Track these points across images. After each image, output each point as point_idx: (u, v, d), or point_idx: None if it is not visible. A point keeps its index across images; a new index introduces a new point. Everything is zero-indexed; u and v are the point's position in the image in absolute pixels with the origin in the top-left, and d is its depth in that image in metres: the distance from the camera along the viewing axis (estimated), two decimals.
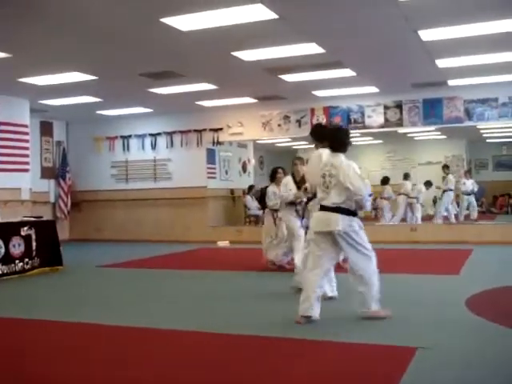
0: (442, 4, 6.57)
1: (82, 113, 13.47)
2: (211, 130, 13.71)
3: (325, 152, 5.46)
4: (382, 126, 12.34)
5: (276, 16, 6.81)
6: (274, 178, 8.61)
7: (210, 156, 14.18)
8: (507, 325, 4.76)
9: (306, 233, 6.46)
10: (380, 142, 19.57)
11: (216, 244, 12.93)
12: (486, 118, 11.61)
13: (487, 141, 20.43)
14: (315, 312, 5.03)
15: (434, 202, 17.82)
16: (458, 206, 17.03)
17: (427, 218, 15.64)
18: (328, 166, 5.10)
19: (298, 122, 12.94)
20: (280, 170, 8.67)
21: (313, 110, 12.80)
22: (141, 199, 14.25)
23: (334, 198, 5.01)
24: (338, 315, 5.42)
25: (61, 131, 14.92)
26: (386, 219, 15.29)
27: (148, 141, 14.42)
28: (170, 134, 14.17)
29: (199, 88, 11.04)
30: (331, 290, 6.04)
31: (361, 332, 4.74)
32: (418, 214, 14.84)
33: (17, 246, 8.52)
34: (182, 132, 14.04)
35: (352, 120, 12.52)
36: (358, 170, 5.11)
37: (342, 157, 5.11)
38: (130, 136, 14.58)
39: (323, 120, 12.66)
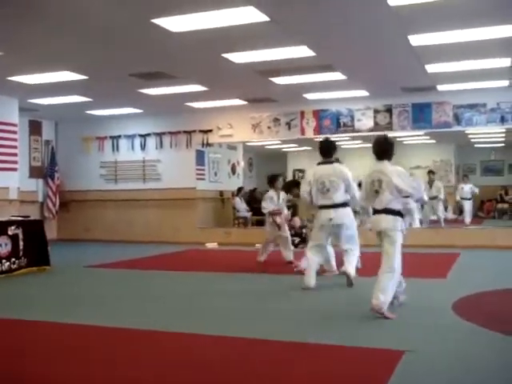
0: (433, 9, 6.60)
1: (71, 112, 13.41)
2: (201, 131, 13.70)
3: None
4: (371, 130, 12.37)
5: (267, 18, 6.82)
6: (272, 184, 9.37)
7: (200, 157, 14.16)
8: (494, 329, 4.79)
9: None
10: (369, 145, 19.49)
11: (204, 245, 12.91)
12: (475, 123, 11.68)
13: (475, 146, 20.55)
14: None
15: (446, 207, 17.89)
16: (446, 210, 17.12)
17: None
18: (375, 173, 5.59)
19: (288, 124, 12.95)
20: (280, 179, 9.48)
21: (303, 113, 12.82)
22: (130, 200, 14.21)
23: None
24: (327, 318, 5.43)
25: (50, 130, 14.85)
26: None
27: (137, 141, 14.39)
28: (160, 134, 14.14)
29: (189, 89, 11.04)
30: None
31: (348, 335, 4.76)
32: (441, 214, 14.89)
33: (4, 246, 8.46)
34: (171, 133, 14.02)
35: (342, 123, 12.56)
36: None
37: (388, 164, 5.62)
38: (119, 136, 14.54)
39: (313, 122, 12.69)
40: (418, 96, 11.76)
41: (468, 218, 15.87)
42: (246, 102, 12.50)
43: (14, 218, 9.07)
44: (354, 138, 16.65)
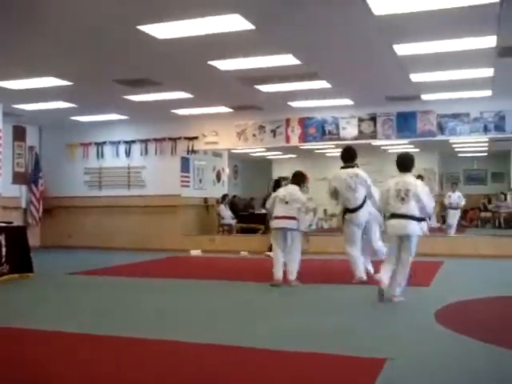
0: (417, 19, 6.67)
1: (55, 118, 13.34)
2: (186, 138, 13.68)
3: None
4: (356, 138, 12.43)
5: (253, 27, 6.84)
6: (277, 187, 9.15)
7: (185, 164, 14.14)
8: (476, 337, 4.81)
9: None
10: None
11: (189, 252, 12.87)
12: (458, 132, 11.78)
13: (459, 155, 20.77)
14: None
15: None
16: (430, 218, 17.20)
17: None
18: (401, 184, 6.59)
19: (273, 132, 12.98)
20: (284, 183, 9.36)
21: (288, 121, 12.85)
22: (114, 206, 14.13)
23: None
24: (311, 326, 5.43)
25: (34, 136, 14.75)
26: None
27: (122, 148, 14.34)
28: (145, 141, 14.11)
29: (175, 96, 11.03)
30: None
31: (331, 343, 4.75)
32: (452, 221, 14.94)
33: None
34: (156, 140, 13.99)
35: (327, 131, 12.60)
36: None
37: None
38: (104, 143, 14.48)
39: (298, 130, 12.73)
40: (403, 105, 11.84)
41: (452, 230, 15.04)
42: (231, 110, 12.51)
43: None
44: (338, 146, 16.76)
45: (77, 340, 4.98)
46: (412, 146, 18.58)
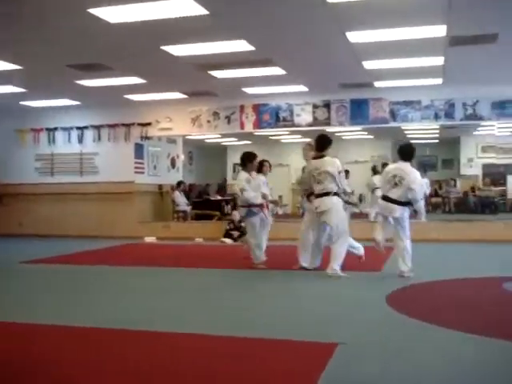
0: (370, 7, 6.71)
1: (5, 103, 12.96)
2: (140, 124, 13.51)
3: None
4: (310, 125, 12.50)
5: (206, 12, 6.78)
6: (248, 163, 8.38)
7: (138, 151, 13.97)
8: (426, 320, 4.92)
9: None
10: (309, 139, 19.83)
11: (143, 240, 12.77)
12: (410, 119, 11.98)
13: (411, 141, 21.07)
14: None
15: (360, 199, 18.21)
16: None
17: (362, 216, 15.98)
18: (398, 170, 7.27)
19: (228, 118, 12.93)
20: (266, 163, 8.81)
21: (242, 107, 12.82)
22: (66, 193, 13.88)
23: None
24: (260, 312, 5.46)
25: None
26: None
27: (75, 134, 14.06)
28: (98, 127, 13.86)
29: (128, 81, 10.85)
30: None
31: (281, 328, 4.79)
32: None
33: None
34: (109, 126, 13.77)
35: (281, 118, 12.62)
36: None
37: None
38: (55, 129, 14.16)
39: (252, 117, 12.72)
40: (356, 92, 11.95)
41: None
42: (185, 96, 12.40)
43: None
44: (293, 133, 16.86)
45: (34, 331, 4.86)
46: (366, 133, 18.86)
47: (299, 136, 18.69)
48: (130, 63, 9.58)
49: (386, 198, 7.38)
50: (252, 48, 8.46)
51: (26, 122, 14.19)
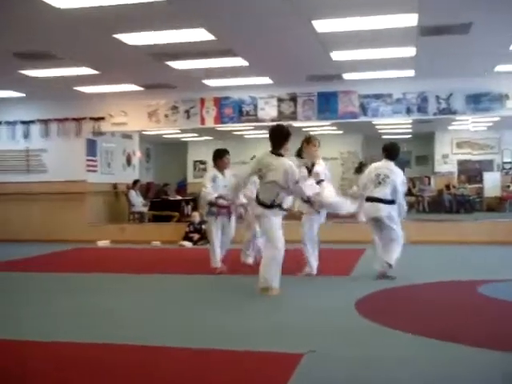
0: None
1: None
2: (92, 118, 13.35)
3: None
4: (275, 120, 12.47)
5: None
6: (219, 161, 8.40)
7: (91, 147, 13.82)
8: (396, 327, 4.99)
9: None
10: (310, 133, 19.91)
11: (95, 243, 12.63)
12: (381, 113, 12.11)
13: (383, 137, 21.28)
14: None
15: None
16: None
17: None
18: (382, 169, 7.54)
19: (187, 112, 12.88)
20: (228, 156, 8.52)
21: (203, 101, 12.78)
22: (10, 193, 13.63)
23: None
24: (226, 323, 5.47)
25: None
26: None
27: (20, 129, 13.81)
28: (46, 122, 13.65)
29: (79, 72, 10.69)
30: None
31: (246, 338, 4.80)
32: None
33: None
34: (58, 120, 13.57)
35: (244, 112, 12.63)
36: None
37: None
38: None
39: (214, 111, 12.70)
40: (324, 85, 12.03)
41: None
42: (141, 88, 12.31)
43: None
44: (257, 128, 16.89)
45: None
46: (335, 128, 18.98)
47: (264, 131, 18.69)
48: (81, 52, 9.46)
49: (369, 199, 7.55)
50: (212, 37, 8.43)
51: None
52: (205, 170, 23.10)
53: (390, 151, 7.78)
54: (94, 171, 13.97)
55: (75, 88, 12.17)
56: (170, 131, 17.73)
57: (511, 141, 21.04)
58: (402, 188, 7.60)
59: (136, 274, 8.52)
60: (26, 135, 13.78)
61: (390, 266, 7.43)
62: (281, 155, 6.65)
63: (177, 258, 10.48)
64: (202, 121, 12.90)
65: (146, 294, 7.02)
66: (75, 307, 6.22)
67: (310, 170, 7.66)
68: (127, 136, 15.57)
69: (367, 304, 6.13)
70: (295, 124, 13.64)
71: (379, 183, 7.50)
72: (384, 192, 7.45)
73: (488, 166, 21.42)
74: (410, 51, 9.52)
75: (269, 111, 12.54)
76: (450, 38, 8.63)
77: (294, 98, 12.42)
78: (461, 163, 21.68)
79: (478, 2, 7.19)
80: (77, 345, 4.67)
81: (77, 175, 13.40)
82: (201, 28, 8.04)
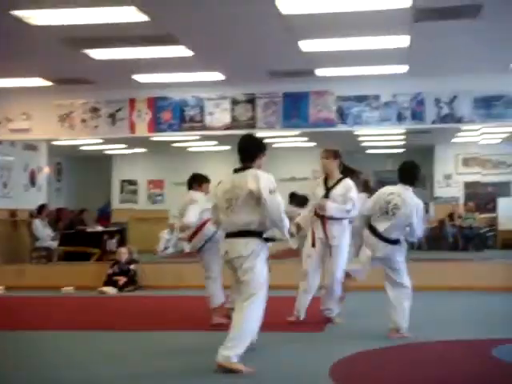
0: None
1: None
2: None
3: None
4: (227, 128, 12.50)
5: None
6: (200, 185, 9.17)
7: None
8: None
9: None
10: (227, 148, 19.92)
11: None
12: (365, 121, 12.18)
13: (367, 152, 21.49)
14: None
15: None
16: None
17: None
18: (395, 196, 7.49)
19: (112, 116, 12.79)
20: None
21: (133, 102, 12.74)
22: None
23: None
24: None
25: None
26: None
27: None
28: None
29: None
30: None
31: None
32: None
33: None
34: None
35: (187, 117, 12.58)
36: None
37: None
38: None
39: (147, 115, 12.63)
40: (291, 83, 12.09)
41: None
42: (50, 83, 12.20)
43: None
44: (205, 138, 16.86)
45: None
46: (305, 139, 19.06)
47: (214, 143, 18.75)
48: None
49: (371, 229, 7.61)
50: (146, 18, 8.41)
51: None
52: (135, 192, 23.04)
53: (406, 172, 7.75)
54: None
55: None
56: (88, 141, 17.57)
57: None
58: (418, 226, 7.50)
59: (36, 330, 8.43)
60: None
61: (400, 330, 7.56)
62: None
63: (97, 310, 10.34)
64: (132, 128, 12.83)
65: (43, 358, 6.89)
66: None
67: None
68: (31, 147, 15.39)
69: (346, 369, 6.12)
70: (255, 133, 13.66)
71: (386, 213, 7.48)
72: (388, 226, 7.42)
73: (504, 189, 21.65)
74: (402, 41, 9.63)
75: (220, 116, 12.52)
76: (453, 23, 8.76)
77: (252, 100, 12.44)
78: (468, 186, 21.93)
79: None
80: None
81: None
82: (130, 6, 8.00)
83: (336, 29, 9.02)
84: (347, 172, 8.70)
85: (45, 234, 14.49)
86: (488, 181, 21.77)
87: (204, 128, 12.70)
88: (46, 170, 16.56)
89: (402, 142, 19.98)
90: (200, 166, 21.40)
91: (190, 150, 20.77)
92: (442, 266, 12.88)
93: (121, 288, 12.05)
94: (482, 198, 21.60)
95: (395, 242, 7.47)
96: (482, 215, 20.77)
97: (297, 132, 15.08)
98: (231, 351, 5.89)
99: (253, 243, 6.22)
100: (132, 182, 22.91)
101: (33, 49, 9.97)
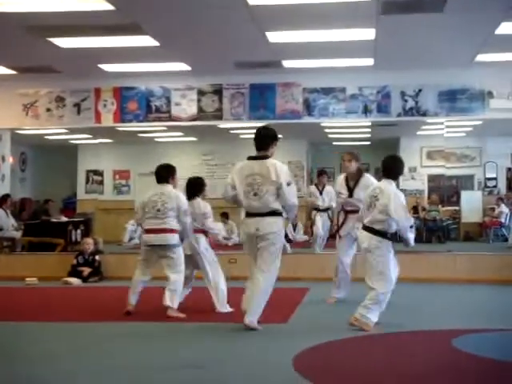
0: None
1: None
2: None
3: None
4: (194, 119, 12.51)
5: None
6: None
7: None
8: None
9: None
10: (193, 139, 19.84)
11: None
12: (331, 113, 12.26)
13: (334, 144, 21.51)
14: None
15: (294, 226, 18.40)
16: (295, 229, 17.71)
17: None
18: (375, 188, 7.86)
19: (77, 106, 12.75)
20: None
21: (98, 91, 12.70)
22: None
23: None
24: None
25: None
26: None
27: None
28: None
29: None
30: None
31: None
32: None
33: None
34: None
35: (153, 108, 12.58)
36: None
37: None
38: None
39: (113, 105, 12.55)
40: (258, 74, 12.11)
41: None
42: (13, 71, 12.12)
43: None
44: (172, 129, 16.78)
45: None
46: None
47: (180, 133, 18.62)
48: None
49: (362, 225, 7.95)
50: (111, 7, 8.35)
51: None
52: (101, 182, 22.86)
53: (387, 167, 8.00)
54: None
55: None
56: (53, 131, 17.40)
57: (496, 151, 21.49)
58: (398, 215, 7.55)
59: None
60: None
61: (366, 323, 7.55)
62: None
63: (61, 301, 10.28)
64: (98, 118, 12.79)
65: None
66: None
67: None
68: None
69: (310, 360, 6.16)
70: (221, 125, 13.66)
71: (370, 206, 7.76)
72: (371, 218, 7.65)
73: (467, 182, 21.78)
74: (368, 33, 9.66)
75: (186, 107, 12.53)
76: (418, 17, 8.81)
77: (219, 91, 12.44)
78: (432, 179, 22.01)
79: None
80: None
81: None
82: None
83: (303, 20, 9.02)
84: (358, 171, 9.43)
85: (8, 223, 14.38)
86: (452, 174, 21.86)
87: (170, 119, 12.69)
88: (10, 159, 16.37)
89: (368, 135, 20.02)
90: (166, 157, 21.40)
91: (156, 140, 20.64)
92: (404, 258, 12.80)
93: (85, 279, 11.98)
94: (445, 190, 21.72)
95: (378, 233, 7.58)
96: (446, 208, 20.91)
97: (263, 123, 15.01)
98: (253, 317, 7.32)
99: (280, 222, 7.59)
100: (98, 173, 22.69)
101: None
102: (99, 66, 11.70)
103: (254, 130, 17.62)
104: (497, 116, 12.21)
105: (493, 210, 20.24)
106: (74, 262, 12.30)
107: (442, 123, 16.42)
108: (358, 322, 7.36)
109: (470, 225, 20.40)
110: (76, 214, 19.51)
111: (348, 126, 17.00)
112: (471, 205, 20.69)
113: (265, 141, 7.74)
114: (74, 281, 11.97)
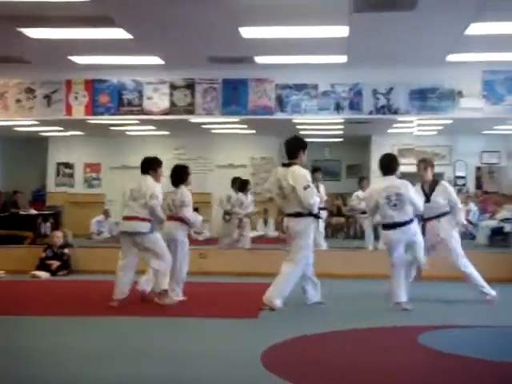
0: None
1: None
2: None
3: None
4: (166, 113, 12.46)
5: None
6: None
7: None
8: None
9: None
10: (165, 133, 19.84)
11: None
12: (303, 109, 12.26)
13: (306, 140, 21.54)
14: None
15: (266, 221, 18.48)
16: (266, 224, 17.80)
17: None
18: (391, 188, 8.99)
19: (48, 98, 12.62)
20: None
21: (69, 83, 12.57)
22: None
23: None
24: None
25: None
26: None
27: None
28: None
29: None
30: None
31: None
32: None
33: None
34: None
35: (125, 101, 12.49)
36: None
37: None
38: None
39: (84, 97, 12.48)
40: (230, 69, 12.08)
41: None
42: None
43: None
44: (144, 123, 16.75)
45: None
46: (245, 127, 19.07)
47: (152, 127, 18.60)
48: None
49: (389, 226, 8.97)
50: None
51: None
52: (71, 175, 22.75)
53: (386, 165, 9.46)
54: None
55: None
56: (23, 122, 17.28)
57: (465, 150, 21.70)
58: (417, 199, 9.03)
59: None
60: None
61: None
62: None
63: (28, 294, 10.22)
64: (69, 110, 12.68)
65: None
66: None
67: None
68: None
69: (278, 356, 6.20)
70: (193, 119, 13.65)
71: (395, 205, 8.83)
72: (403, 215, 8.83)
73: None
74: (341, 31, 9.66)
75: (158, 101, 12.46)
76: (390, 15, 8.82)
77: (191, 86, 12.40)
78: (403, 176, 22.10)
79: None
80: None
81: None
82: None
83: (277, 17, 9.02)
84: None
85: None
86: None
87: (142, 112, 12.61)
88: None
89: (341, 132, 20.11)
90: (138, 151, 21.40)
91: (128, 134, 20.57)
92: (376, 255, 12.93)
93: (54, 272, 11.93)
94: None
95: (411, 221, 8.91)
96: None
97: (236, 119, 15.05)
98: (276, 299, 8.44)
99: (304, 222, 8.65)
100: (68, 165, 22.61)
101: None
102: (70, 57, 11.58)
103: (227, 126, 17.79)
104: (467, 115, 12.29)
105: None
106: (43, 255, 12.25)
107: (412, 121, 16.56)
108: None
109: None
110: (45, 206, 19.40)
111: (320, 123, 17.13)
112: None
113: (292, 150, 8.96)
114: (43, 274, 11.92)
